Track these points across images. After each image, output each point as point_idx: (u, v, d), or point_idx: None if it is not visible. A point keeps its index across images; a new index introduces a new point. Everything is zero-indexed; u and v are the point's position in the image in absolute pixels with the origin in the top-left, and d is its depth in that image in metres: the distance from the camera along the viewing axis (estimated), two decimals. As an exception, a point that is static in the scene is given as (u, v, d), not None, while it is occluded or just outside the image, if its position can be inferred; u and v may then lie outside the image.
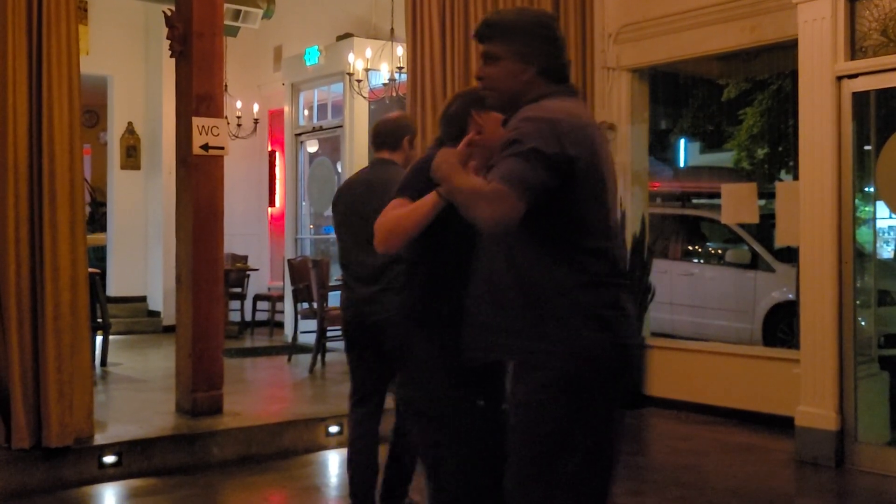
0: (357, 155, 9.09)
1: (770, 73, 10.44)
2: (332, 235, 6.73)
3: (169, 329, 8.86)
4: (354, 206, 3.92)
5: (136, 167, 11.07)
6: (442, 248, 2.75)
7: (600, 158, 2.34)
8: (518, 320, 2.33)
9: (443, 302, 2.74)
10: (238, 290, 10.58)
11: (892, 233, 6.70)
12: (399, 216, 2.64)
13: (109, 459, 4.91)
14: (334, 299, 7.77)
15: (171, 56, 5.79)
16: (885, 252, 6.74)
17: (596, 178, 2.32)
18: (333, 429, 5.67)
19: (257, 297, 10.80)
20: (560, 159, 2.22)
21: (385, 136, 3.99)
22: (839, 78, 5.33)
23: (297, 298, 8.61)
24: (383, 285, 3.80)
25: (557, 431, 2.29)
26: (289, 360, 8.38)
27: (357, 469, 3.97)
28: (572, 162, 2.24)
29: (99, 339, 7.44)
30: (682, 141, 16.91)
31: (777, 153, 13.19)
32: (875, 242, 5.95)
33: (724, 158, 15.18)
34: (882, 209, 5.80)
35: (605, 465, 2.39)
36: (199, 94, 5.63)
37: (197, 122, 5.58)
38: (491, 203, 2.16)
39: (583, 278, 2.30)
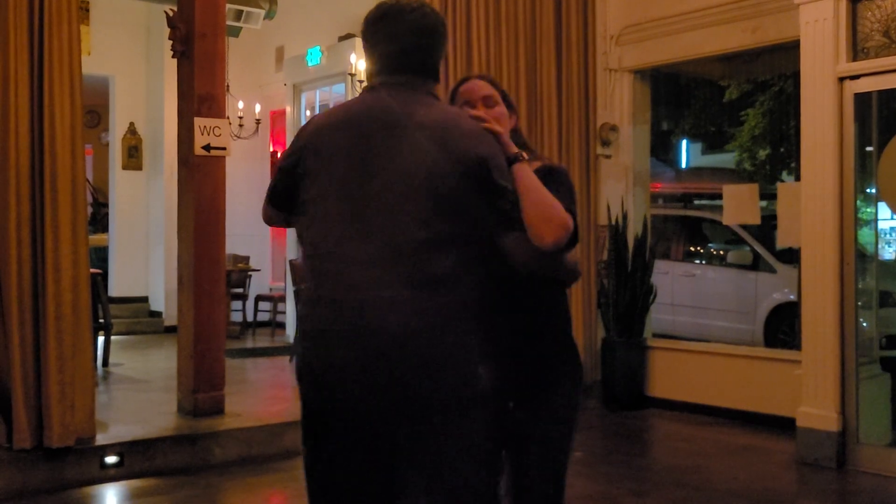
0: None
1: (772, 75, 10.45)
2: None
3: (170, 329, 8.85)
4: None
5: (138, 167, 11.07)
6: None
7: (329, 156, 2.05)
8: None
9: None
10: (240, 290, 10.57)
11: (893, 234, 6.69)
12: None
13: (111, 460, 4.91)
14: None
15: (172, 56, 5.79)
16: (887, 253, 6.73)
17: (321, 179, 2.06)
18: (335, 429, 5.66)
19: (259, 298, 10.80)
20: (286, 163, 2.16)
21: None
22: (841, 79, 5.33)
23: (299, 299, 8.61)
24: None
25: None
26: (290, 360, 8.37)
27: None
28: (295, 164, 2.13)
29: (100, 339, 7.44)
30: (684, 142, 16.95)
31: (779, 154, 13.20)
32: (877, 243, 5.94)
33: (725, 159, 15.20)
34: (884, 210, 5.81)
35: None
36: (200, 94, 5.63)
37: (199, 122, 5.58)
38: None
39: (304, 294, 2.14)
